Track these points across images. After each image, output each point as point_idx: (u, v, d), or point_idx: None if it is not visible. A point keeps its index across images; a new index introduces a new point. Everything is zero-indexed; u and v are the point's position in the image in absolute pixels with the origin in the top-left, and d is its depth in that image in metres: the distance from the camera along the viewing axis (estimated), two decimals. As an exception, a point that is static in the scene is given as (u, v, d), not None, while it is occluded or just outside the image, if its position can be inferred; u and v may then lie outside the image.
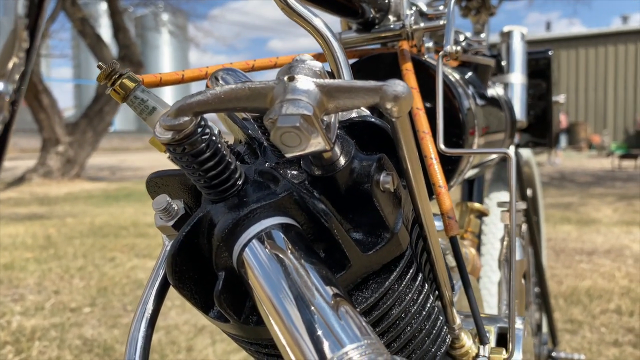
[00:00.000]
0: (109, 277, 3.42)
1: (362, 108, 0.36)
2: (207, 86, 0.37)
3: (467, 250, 0.63)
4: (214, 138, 0.32)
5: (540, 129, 0.93)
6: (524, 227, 0.62)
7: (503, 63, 0.83)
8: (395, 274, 0.35)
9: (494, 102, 0.63)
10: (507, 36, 0.84)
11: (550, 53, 0.91)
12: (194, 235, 0.34)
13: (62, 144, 11.75)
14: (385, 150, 0.35)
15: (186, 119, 0.30)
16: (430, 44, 0.49)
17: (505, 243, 0.57)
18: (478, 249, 0.77)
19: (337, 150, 0.33)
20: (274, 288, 0.30)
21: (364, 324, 0.29)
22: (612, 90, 21.76)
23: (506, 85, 0.83)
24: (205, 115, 0.31)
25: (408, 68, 0.44)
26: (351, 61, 0.55)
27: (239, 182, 0.33)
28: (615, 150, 14.89)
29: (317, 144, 0.28)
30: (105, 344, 2.32)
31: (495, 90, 0.70)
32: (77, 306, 2.85)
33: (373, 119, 0.36)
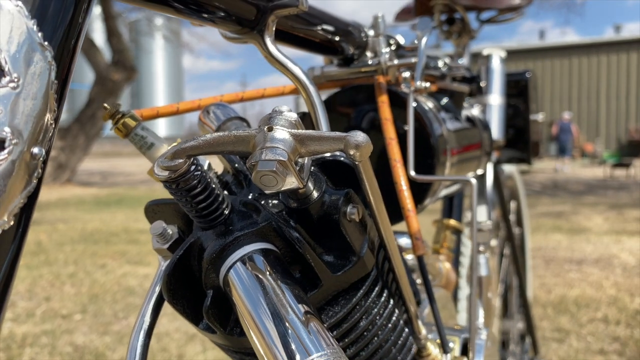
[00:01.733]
0: (100, 284, 3.43)
1: None
2: (199, 119, 0.41)
3: (442, 265, 0.66)
4: (204, 175, 0.35)
5: (520, 146, 0.97)
6: (494, 242, 0.64)
7: (482, 84, 0.86)
8: (362, 291, 0.39)
9: (469, 124, 0.66)
10: (486, 59, 0.87)
11: (527, 75, 0.94)
12: (186, 257, 0.38)
13: (54, 149, 11.72)
14: (354, 184, 0.38)
15: (180, 161, 0.34)
16: (407, 74, 0.51)
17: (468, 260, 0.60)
18: (455, 264, 0.79)
19: (310, 185, 0.37)
20: (254, 304, 0.35)
21: (329, 336, 0.33)
22: (604, 99, 21.95)
23: (484, 106, 0.86)
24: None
25: (383, 100, 0.47)
26: (334, 90, 0.58)
27: (226, 212, 0.37)
28: (607, 159, 15.01)
29: (291, 182, 0.32)
30: (97, 350, 2.33)
31: (471, 112, 0.72)
32: (68, 313, 2.85)
33: (342, 158, 0.40)
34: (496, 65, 0.85)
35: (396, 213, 0.46)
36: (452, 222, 0.64)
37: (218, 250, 0.36)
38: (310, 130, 0.32)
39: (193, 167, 0.35)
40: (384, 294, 0.42)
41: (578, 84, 22.43)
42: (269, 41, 0.39)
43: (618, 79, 21.57)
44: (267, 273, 0.36)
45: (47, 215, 6.76)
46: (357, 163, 0.36)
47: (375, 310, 0.40)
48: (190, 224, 0.40)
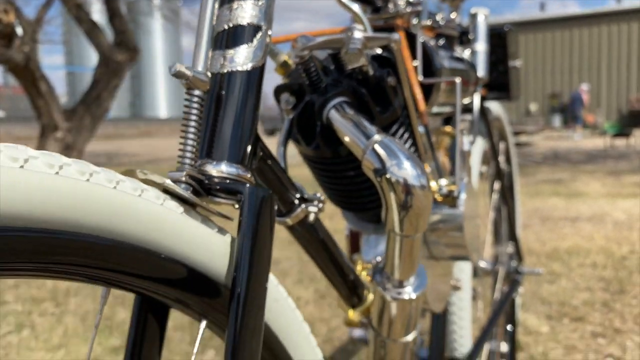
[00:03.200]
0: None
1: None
2: (292, 46, 0.62)
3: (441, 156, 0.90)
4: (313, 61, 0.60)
5: (501, 86, 1.20)
6: (484, 168, 0.89)
7: (470, 36, 1.08)
8: (395, 126, 0.64)
9: (459, 62, 0.88)
10: (474, 16, 1.10)
11: (506, 28, 1.17)
12: (304, 109, 0.61)
13: (61, 130, 11.92)
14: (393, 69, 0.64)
15: (307, 52, 0.57)
16: (415, 21, 0.74)
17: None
18: (452, 159, 1.03)
19: (371, 66, 0.61)
20: (344, 126, 0.58)
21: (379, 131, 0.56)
22: (605, 70, 21.97)
23: (472, 52, 1.09)
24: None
25: (401, 34, 0.70)
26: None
27: (323, 83, 0.60)
28: (608, 129, 15.16)
29: (362, 61, 0.57)
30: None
31: (461, 54, 0.95)
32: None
33: (385, 54, 0.64)
34: (481, 20, 1.08)
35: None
36: (448, 128, 0.86)
37: (322, 102, 0.60)
38: (371, 33, 0.56)
39: (310, 56, 0.59)
40: (405, 135, 0.67)
41: (579, 55, 22.43)
42: None
43: (619, 49, 21.57)
44: (350, 112, 0.59)
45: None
46: (395, 50, 0.62)
47: (404, 133, 0.67)
48: (299, 96, 0.62)
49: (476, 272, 1.32)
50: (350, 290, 0.59)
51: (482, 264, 1.41)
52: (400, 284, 0.56)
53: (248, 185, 0.38)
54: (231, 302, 0.35)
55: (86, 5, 13.38)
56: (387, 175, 0.49)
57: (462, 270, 1.03)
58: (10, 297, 2.71)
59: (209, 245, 0.36)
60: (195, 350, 0.38)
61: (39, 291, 2.78)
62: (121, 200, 0.30)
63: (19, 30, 9.82)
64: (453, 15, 0.98)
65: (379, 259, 0.68)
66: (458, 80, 0.72)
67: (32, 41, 10.26)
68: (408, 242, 0.52)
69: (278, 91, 0.64)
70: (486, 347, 1.35)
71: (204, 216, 0.37)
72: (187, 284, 0.35)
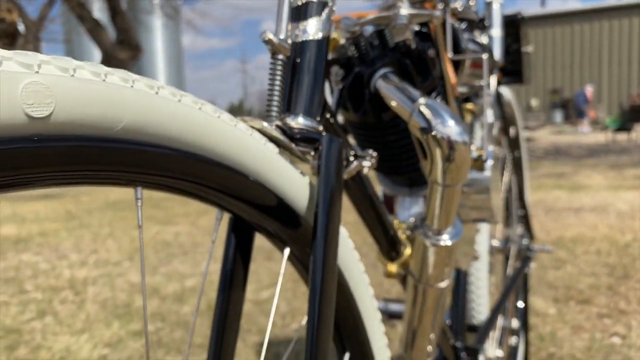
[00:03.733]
0: (138, 239, 3.76)
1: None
2: (335, 27, 0.69)
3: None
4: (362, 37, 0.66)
5: (515, 71, 1.27)
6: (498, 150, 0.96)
7: (486, 23, 1.16)
8: (434, 94, 0.71)
9: (477, 43, 0.95)
10: (489, 4, 1.17)
11: (519, 16, 1.25)
12: (353, 79, 0.68)
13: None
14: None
15: (358, 28, 0.64)
16: (441, 5, 0.82)
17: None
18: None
19: (414, 40, 0.68)
20: (391, 92, 0.64)
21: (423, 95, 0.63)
22: (606, 66, 22.01)
23: (489, 37, 1.16)
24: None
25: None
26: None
27: (371, 55, 0.67)
28: (609, 124, 15.20)
29: (407, 35, 0.64)
30: (151, 286, 2.66)
31: (479, 39, 1.02)
32: (117, 261, 3.18)
33: (424, 30, 0.71)
34: (496, 7, 1.16)
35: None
36: (469, 105, 0.93)
37: (370, 72, 0.67)
38: (415, 9, 0.63)
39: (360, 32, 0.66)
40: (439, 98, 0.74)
41: (580, 50, 22.47)
42: None
43: (620, 44, 21.60)
44: (395, 80, 0.65)
45: (69, 189, 7.08)
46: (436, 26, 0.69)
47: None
48: (347, 69, 0.69)
49: (489, 251, 1.39)
50: (390, 245, 0.65)
51: (495, 243, 1.48)
52: (439, 232, 0.63)
53: (325, 134, 0.45)
54: (315, 232, 0.42)
55: (88, 4, 13.42)
56: (433, 133, 0.56)
57: (480, 243, 1.10)
58: (29, 286, 2.78)
59: (295, 181, 0.43)
60: (281, 275, 0.45)
61: (57, 281, 2.85)
62: (238, 136, 0.36)
63: (22, 29, 9.85)
64: (472, 3, 1.05)
65: (412, 219, 0.74)
66: (485, 56, 0.79)
67: (35, 40, 10.31)
68: (449, 192, 0.59)
69: (327, 65, 0.70)
70: (500, 321, 1.42)
71: (290, 157, 0.44)
72: (276, 212, 0.42)
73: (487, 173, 0.76)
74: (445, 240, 0.63)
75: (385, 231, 0.64)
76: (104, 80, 0.27)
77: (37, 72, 0.24)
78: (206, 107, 0.34)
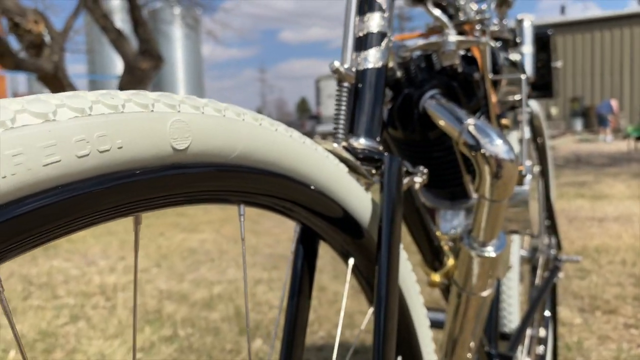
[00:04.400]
0: (165, 246, 3.83)
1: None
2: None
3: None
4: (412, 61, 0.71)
5: (545, 86, 1.31)
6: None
7: (517, 40, 1.19)
8: (477, 114, 0.76)
9: (512, 62, 0.99)
10: (520, 22, 1.21)
11: (549, 32, 1.28)
12: (403, 100, 0.73)
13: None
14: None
15: (409, 53, 0.68)
16: (479, 27, 0.86)
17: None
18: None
19: (460, 63, 0.72)
20: (439, 110, 0.69)
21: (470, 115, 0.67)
22: (628, 73, 21.75)
23: (521, 54, 1.20)
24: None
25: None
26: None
27: (419, 78, 0.72)
28: (631, 132, 15.00)
29: (455, 60, 0.68)
30: (180, 293, 2.73)
31: (513, 55, 1.06)
32: (146, 267, 3.25)
33: (469, 54, 0.75)
34: (527, 25, 1.19)
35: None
36: (505, 120, 0.97)
37: (419, 94, 0.71)
38: (458, 36, 0.68)
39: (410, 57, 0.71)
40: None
41: (601, 58, 22.24)
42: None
43: (642, 52, 21.34)
44: (443, 101, 0.70)
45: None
46: (482, 50, 0.73)
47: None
48: (396, 90, 0.74)
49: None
50: (434, 255, 0.69)
51: (523, 252, 1.51)
52: (484, 244, 0.66)
53: (387, 154, 0.50)
54: (380, 244, 0.47)
55: (111, 15, 13.67)
56: (482, 151, 0.60)
57: (512, 253, 1.13)
58: (62, 291, 2.86)
59: (360, 197, 0.47)
60: (346, 286, 0.49)
61: (87, 286, 2.93)
62: (317, 159, 0.41)
63: (48, 40, 10.09)
64: (504, 22, 1.09)
65: (453, 230, 0.78)
66: (524, 77, 0.83)
67: (60, 50, 10.54)
68: (496, 207, 0.63)
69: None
70: (528, 331, 1.45)
71: (356, 175, 0.49)
72: (344, 224, 0.46)
73: (527, 187, 0.80)
74: (490, 251, 0.67)
75: (430, 242, 0.68)
76: (224, 115, 0.32)
77: (178, 111, 0.29)
78: (294, 134, 0.39)
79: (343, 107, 0.51)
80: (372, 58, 0.53)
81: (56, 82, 10.46)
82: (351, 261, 0.50)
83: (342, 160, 0.47)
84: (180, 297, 2.67)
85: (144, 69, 12.99)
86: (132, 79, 12.91)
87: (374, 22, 0.53)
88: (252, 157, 0.34)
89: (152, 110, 0.27)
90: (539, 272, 1.46)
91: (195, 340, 2.15)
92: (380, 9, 0.54)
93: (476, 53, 0.74)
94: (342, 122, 0.50)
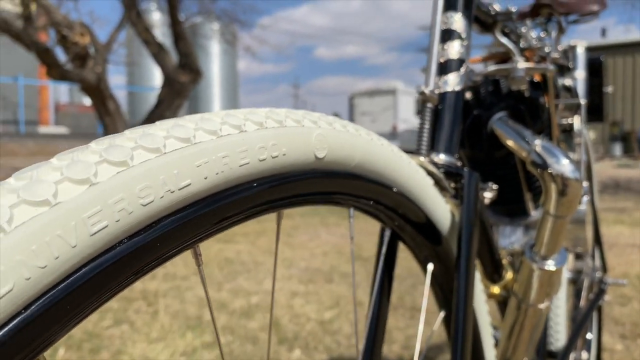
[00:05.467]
0: (203, 255, 3.91)
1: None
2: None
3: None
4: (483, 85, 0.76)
5: (597, 110, 1.34)
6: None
7: (570, 65, 1.23)
8: (543, 134, 0.79)
9: (568, 87, 1.03)
10: (573, 48, 1.25)
11: (602, 59, 1.31)
12: (473, 120, 0.77)
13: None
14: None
15: (479, 78, 0.73)
16: (540, 53, 0.90)
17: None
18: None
19: (527, 89, 0.76)
20: (507, 132, 0.74)
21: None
22: (670, 98, 21.21)
23: (573, 79, 1.23)
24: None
25: (532, 61, 0.86)
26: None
27: (488, 100, 0.76)
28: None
29: (523, 84, 0.71)
30: (219, 301, 2.79)
31: (567, 80, 1.10)
32: (184, 275, 3.34)
33: (534, 79, 0.79)
34: (580, 51, 1.23)
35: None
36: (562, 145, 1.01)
37: (488, 116, 0.76)
38: (524, 64, 0.72)
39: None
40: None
41: (642, 82, 21.77)
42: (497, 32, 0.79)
43: (685, 77, 20.82)
44: (511, 123, 0.74)
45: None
46: (547, 80, 0.77)
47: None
48: (465, 111, 0.78)
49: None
50: (494, 268, 0.73)
51: (567, 274, 1.52)
52: (545, 258, 0.70)
53: (466, 169, 0.54)
54: (459, 253, 0.51)
55: (152, 29, 14.05)
56: (549, 170, 0.64)
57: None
58: (106, 295, 2.96)
59: (441, 206, 0.52)
60: (426, 291, 0.54)
61: (129, 292, 3.02)
62: (412, 170, 0.46)
63: (92, 52, 10.45)
64: (560, 48, 1.13)
65: (510, 246, 0.82)
66: (583, 101, 0.87)
67: (103, 62, 10.89)
68: (559, 223, 0.67)
69: None
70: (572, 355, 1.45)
71: (438, 187, 0.54)
72: (425, 230, 0.51)
73: (583, 207, 0.83)
74: (550, 265, 0.70)
75: (492, 256, 0.72)
76: (347, 130, 0.37)
77: (319, 126, 0.34)
78: (394, 149, 0.44)
79: (426, 126, 0.56)
80: (452, 82, 0.58)
81: (98, 92, 10.80)
82: (430, 267, 0.54)
83: (429, 173, 0.52)
84: (219, 305, 2.73)
85: (182, 82, 13.29)
86: (171, 92, 13.22)
87: (454, 49, 0.58)
88: (365, 166, 0.39)
89: (303, 125, 0.33)
90: (583, 294, 1.47)
91: (236, 347, 2.20)
92: (460, 38, 0.59)
93: (537, 77, 0.79)
94: (425, 139, 0.56)
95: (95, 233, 0.24)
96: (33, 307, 0.23)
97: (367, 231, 4.98)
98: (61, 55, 10.08)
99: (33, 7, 8.97)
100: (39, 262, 0.23)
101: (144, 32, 12.80)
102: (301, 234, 4.75)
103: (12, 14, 9.85)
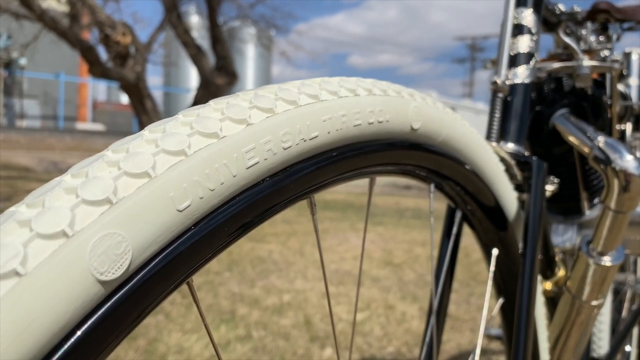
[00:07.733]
0: (235, 253, 3.97)
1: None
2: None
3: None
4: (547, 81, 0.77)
5: None
6: None
7: (624, 72, 1.23)
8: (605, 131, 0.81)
9: (620, 92, 1.04)
10: (628, 55, 1.24)
11: None
12: (535, 116, 0.79)
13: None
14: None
15: (544, 74, 0.75)
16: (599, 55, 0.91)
17: None
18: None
19: (590, 87, 0.77)
20: (569, 129, 0.75)
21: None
22: None
23: (627, 85, 1.23)
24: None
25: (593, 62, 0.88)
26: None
27: (552, 97, 0.78)
28: None
29: (587, 82, 0.72)
30: (252, 297, 2.83)
31: (621, 87, 1.10)
32: (218, 271, 3.39)
33: (599, 78, 0.80)
34: (635, 58, 1.22)
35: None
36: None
37: (550, 112, 0.77)
38: (597, 62, 0.73)
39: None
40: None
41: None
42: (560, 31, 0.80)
43: None
44: (574, 119, 0.75)
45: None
46: (614, 76, 0.78)
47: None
48: (530, 108, 0.80)
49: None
50: (547, 264, 0.74)
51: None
52: (602, 254, 0.71)
53: (535, 157, 0.56)
54: (526, 240, 0.53)
55: (191, 31, 14.31)
56: (612, 165, 0.65)
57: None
58: (141, 286, 3.03)
59: (510, 192, 0.54)
60: (490, 275, 0.56)
61: (164, 284, 3.09)
62: (488, 154, 0.48)
63: (133, 51, 10.72)
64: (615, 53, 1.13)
65: (563, 244, 0.83)
66: (637, 105, 0.88)
67: (143, 62, 11.15)
68: (620, 218, 0.67)
69: None
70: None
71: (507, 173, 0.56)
72: (493, 214, 0.53)
73: (639, 209, 0.84)
74: (607, 261, 0.71)
75: (546, 251, 0.73)
76: (436, 106, 0.39)
77: (415, 99, 0.37)
78: (475, 131, 0.46)
79: (497, 115, 0.58)
80: (522, 74, 0.60)
81: (137, 91, 11.06)
82: (495, 251, 0.56)
83: (501, 159, 0.54)
84: (252, 301, 2.77)
85: (219, 85, 13.49)
86: (207, 93, 13.43)
87: (524, 43, 0.60)
88: (449, 143, 0.41)
89: (403, 97, 0.35)
90: (626, 305, 1.45)
91: (269, 342, 2.24)
92: (530, 32, 0.61)
93: (597, 77, 0.80)
94: (495, 127, 0.58)
95: (250, 167, 0.28)
96: (201, 223, 0.27)
97: (396, 239, 4.97)
98: (102, 54, 10.34)
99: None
100: (209, 185, 0.26)
101: (183, 34, 13.06)
102: (331, 238, 4.78)
103: (58, 12, 10.17)
